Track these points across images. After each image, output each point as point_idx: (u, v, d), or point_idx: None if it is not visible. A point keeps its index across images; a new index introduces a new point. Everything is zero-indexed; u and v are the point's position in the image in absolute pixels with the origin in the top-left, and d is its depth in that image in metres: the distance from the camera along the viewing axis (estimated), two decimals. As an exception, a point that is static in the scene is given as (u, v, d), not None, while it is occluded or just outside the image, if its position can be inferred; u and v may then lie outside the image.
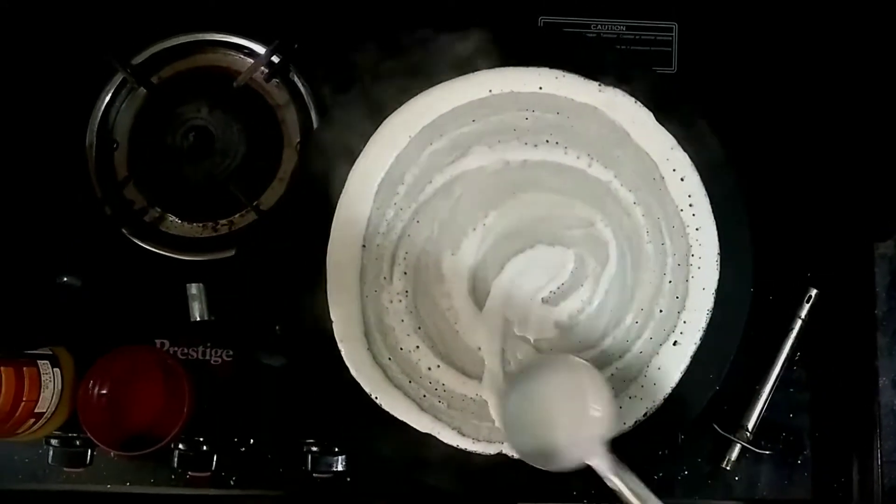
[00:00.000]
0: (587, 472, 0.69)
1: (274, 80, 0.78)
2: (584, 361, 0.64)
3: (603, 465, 0.60)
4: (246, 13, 0.77)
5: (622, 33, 0.78)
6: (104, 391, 0.70)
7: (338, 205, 0.69)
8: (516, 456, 0.66)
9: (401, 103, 0.70)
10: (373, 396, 0.68)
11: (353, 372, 0.68)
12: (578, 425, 0.61)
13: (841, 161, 0.75)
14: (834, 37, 0.77)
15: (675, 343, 0.68)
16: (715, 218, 0.68)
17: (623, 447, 0.66)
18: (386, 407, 0.68)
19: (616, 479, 0.60)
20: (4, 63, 0.76)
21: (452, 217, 0.70)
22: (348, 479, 0.72)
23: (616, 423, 0.62)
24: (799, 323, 0.73)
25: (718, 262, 0.68)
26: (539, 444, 0.62)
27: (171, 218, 0.77)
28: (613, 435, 0.62)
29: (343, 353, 0.68)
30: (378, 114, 0.70)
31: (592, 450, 0.60)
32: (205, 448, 0.71)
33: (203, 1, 0.78)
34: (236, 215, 0.76)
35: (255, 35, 0.77)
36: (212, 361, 0.74)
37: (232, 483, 0.73)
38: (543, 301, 0.70)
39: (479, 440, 0.68)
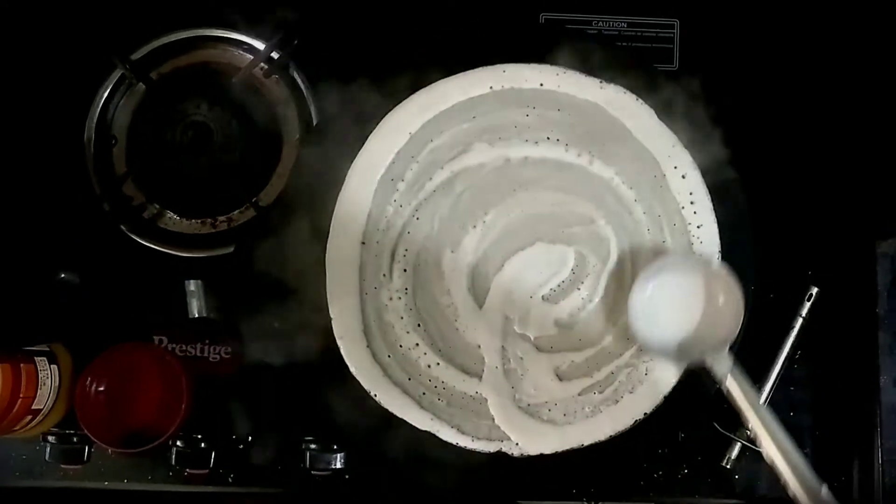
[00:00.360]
0: (588, 471, 0.69)
1: (273, 76, 0.77)
2: (717, 264, 0.66)
3: (721, 367, 0.62)
4: (245, 9, 0.77)
5: (623, 30, 0.78)
6: (102, 388, 0.70)
7: (337, 201, 0.69)
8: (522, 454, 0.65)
9: (401, 100, 0.69)
10: (372, 394, 0.68)
11: (352, 369, 0.68)
12: (710, 325, 0.62)
13: (842, 159, 0.75)
14: (836, 34, 0.77)
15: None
16: (716, 215, 0.68)
17: (623, 445, 0.67)
18: (385, 404, 0.68)
19: (731, 383, 0.61)
20: (3, 59, 0.75)
21: (452, 214, 0.70)
22: (347, 477, 0.72)
23: (738, 329, 0.64)
24: (800, 321, 0.73)
25: (719, 260, 0.68)
26: (666, 340, 0.63)
27: (170, 214, 0.77)
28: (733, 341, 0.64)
29: (342, 351, 0.68)
30: (378, 110, 0.69)
31: (715, 351, 0.63)
32: (203, 445, 0.71)
33: (202, -3, 0.78)
34: (235, 212, 0.76)
35: (255, 31, 0.77)
36: (210, 358, 0.73)
37: (230, 480, 0.73)
38: (544, 299, 0.70)
39: (478, 438, 0.68)
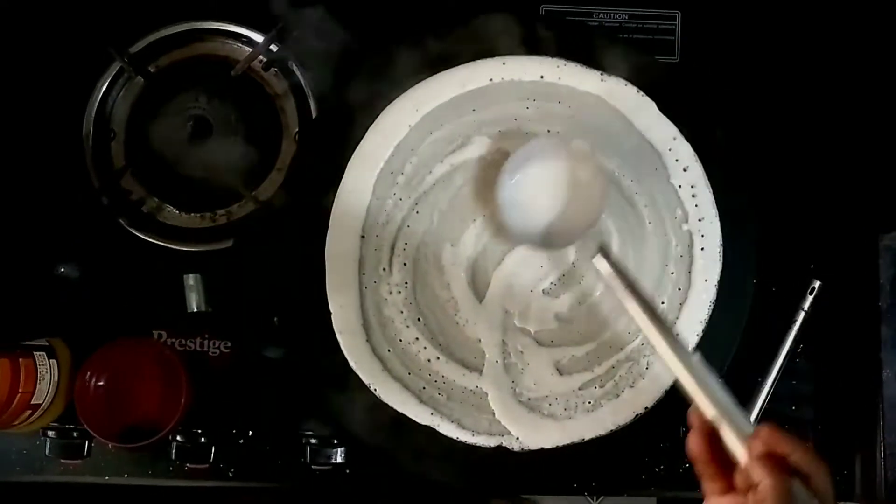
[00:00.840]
0: (589, 465, 0.69)
1: (272, 69, 0.77)
2: (585, 149, 0.64)
3: (590, 251, 0.62)
4: (244, 1, 0.77)
5: (625, 22, 0.78)
6: (101, 382, 0.70)
7: (336, 195, 0.69)
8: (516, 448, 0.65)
9: (400, 92, 0.69)
10: (372, 388, 0.67)
11: (351, 363, 0.68)
12: (575, 208, 0.62)
13: (845, 152, 0.75)
14: (838, 25, 0.76)
15: (676, 335, 0.67)
16: (718, 208, 0.68)
17: (624, 439, 0.67)
18: (385, 399, 0.67)
19: (601, 265, 0.59)
20: (2, 53, 0.75)
21: (452, 208, 0.70)
22: (347, 472, 0.72)
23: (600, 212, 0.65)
24: (802, 315, 0.73)
25: (721, 254, 0.68)
26: (533, 222, 0.63)
27: (169, 208, 0.76)
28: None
29: (342, 345, 0.68)
30: (377, 103, 0.69)
31: (584, 234, 0.65)
32: (203, 440, 0.71)
33: (201, -11, 0.78)
34: (234, 205, 0.76)
35: (254, 24, 0.76)
36: (210, 353, 0.73)
37: (230, 475, 0.72)
38: (544, 292, 0.70)
39: (479, 433, 0.67)
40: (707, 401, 0.51)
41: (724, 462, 0.51)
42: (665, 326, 0.55)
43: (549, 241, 0.65)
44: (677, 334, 0.55)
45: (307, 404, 0.71)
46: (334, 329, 0.68)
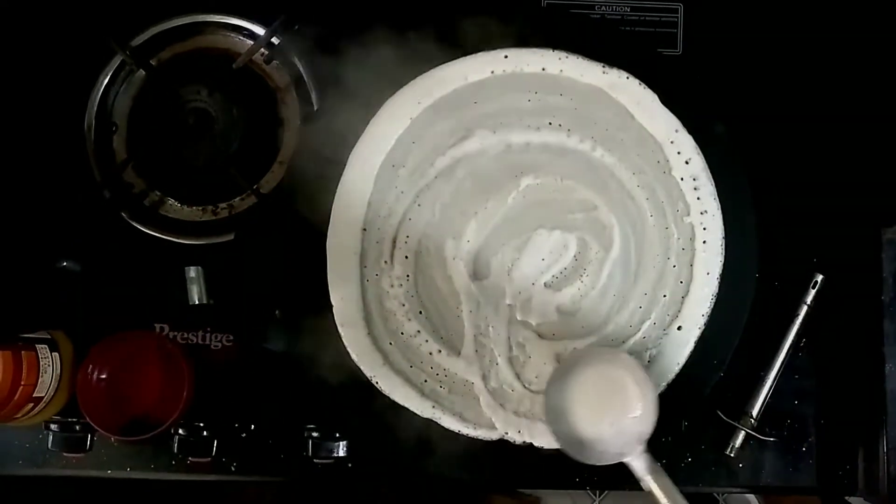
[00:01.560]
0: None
1: (274, 61, 0.77)
2: (631, 358, 0.64)
3: (640, 464, 0.60)
4: (246, -6, 0.77)
5: (627, 14, 0.77)
6: (103, 376, 0.70)
7: (338, 188, 0.69)
8: (525, 441, 0.65)
9: (402, 85, 0.69)
10: (373, 381, 0.67)
11: (353, 357, 0.67)
12: (619, 422, 0.61)
13: (848, 145, 0.75)
14: (841, 17, 0.76)
15: (678, 328, 0.67)
16: (720, 201, 0.67)
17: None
18: (386, 392, 0.67)
19: (651, 481, 0.60)
20: (4, 47, 0.75)
21: (454, 200, 0.70)
22: (349, 465, 0.72)
23: (655, 421, 0.61)
24: (804, 309, 0.72)
25: (723, 247, 0.67)
26: (578, 436, 0.62)
27: (171, 201, 0.77)
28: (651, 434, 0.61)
29: (343, 338, 0.68)
30: (379, 96, 0.69)
31: (631, 448, 0.61)
32: (205, 433, 0.71)
33: (202, -18, 0.78)
34: (236, 199, 0.76)
35: (255, 16, 0.76)
36: (212, 346, 0.73)
37: (233, 469, 0.73)
38: (546, 286, 0.69)
39: (480, 426, 0.67)
40: None
41: None
42: None
43: (596, 454, 0.62)
44: None
45: (309, 398, 0.71)
46: (336, 322, 0.68)
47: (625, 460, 0.61)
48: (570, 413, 0.62)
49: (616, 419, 0.62)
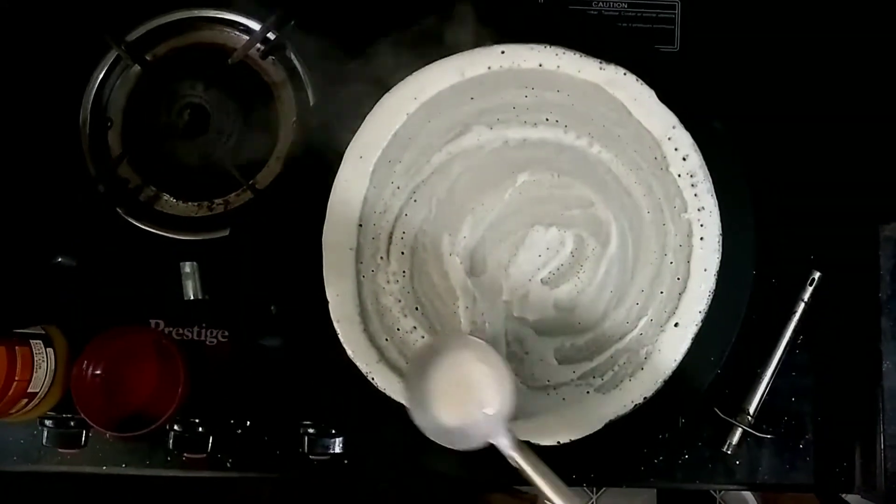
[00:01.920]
0: (588, 456, 0.68)
1: (270, 57, 0.77)
2: (480, 340, 0.63)
3: (505, 443, 0.60)
4: (241, -11, 0.76)
5: (624, 10, 0.77)
6: (98, 371, 0.69)
7: (334, 183, 0.69)
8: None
9: (398, 80, 0.69)
10: (369, 377, 0.67)
11: (349, 353, 0.67)
12: (480, 410, 0.61)
13: (846, 142, 0.75)
14: (839, 15, 0.76)
15: (675, 325, 0.67)
16: (717, 198, 0.67)
17: (623, 430, 0.66)
18: (383, 388, 0.67)
19: (518, 457, 0.59)
20: (-2, 41, 0.75)
21: (450, 197, 0.70)
22: (345, 462, 0.72)
23: (514, 400, 0.61)
24: (802, 306, 0.72)
25: (720, 243, 0.67)
26: (443, 427, 0.61)
27: (166, 197, 0.76)
28: (514, 413, 0.61)
29: (339, 334, 0.68)
30: (375, 91, 0.69)
31: (496, 431, 0.60)
32: (201, 429, 0.71)
33: (198, -23, 0.77)
34: (232, 194, 0.76)
35: (251, 11, 0.76)
36: (207, 342, 0.73)
37: (228, 465, 0.72)
38: (543, 282, 0.69)
39: (476, 422, 0.67)
40: None
41: None
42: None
43: (463, 440, 0.61)
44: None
45: (305, 394, 0.71)
46: (331, 318, 0.68)
47: (492, 442, 0.60)
48: (430, 405, 0.61)
49: (476, 408, 0.61)
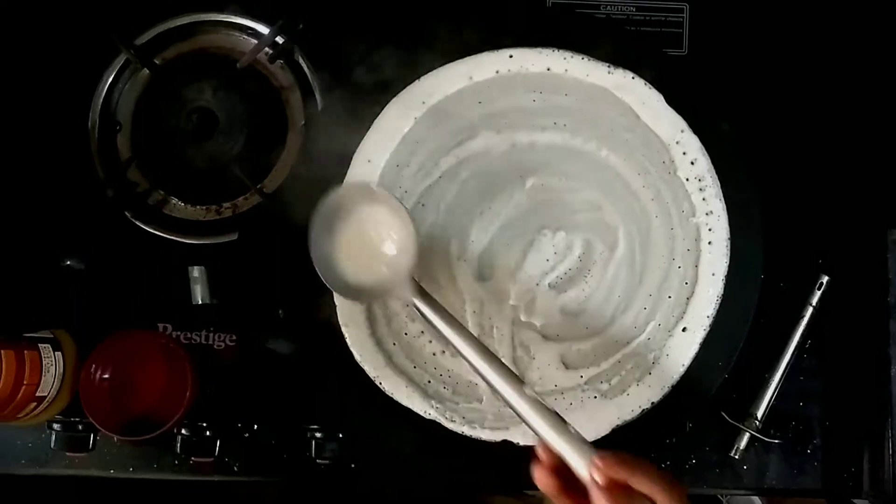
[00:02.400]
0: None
1: (278, 61, 0.77)
2: (382, 191, 0.63)
3: (407, 295, 0.60)
4: (250, -7, 0.77)
5: (632, 14, 0.77)
6: (106, 375, 0.70)
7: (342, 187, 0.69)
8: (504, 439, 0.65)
9: (406, 84, 0.69)
10: (377, 382, 0.67)
11: (357, 357, 0.67)
12: (385, 264, 0.61)
13: (854, 146, 0.74)
14: (846, 17, 0.76)
15: (683, 329, 0.67)
16: (725, 202, 0.67)
17: (630, 435, 0.66)
18: (390, 392, 0.67)
19: (420, 303, 0.59)
20: (7, 44, 0.75)
21: (458, 201, 0.70)
22: (352, 466, 0.72)
23: (416, 251, 0.61)
24: (810, 310, 0.72)
25: (728, 248, 0.67)
26: (350, 284, 0.61)
27: (175, 201, 0.76)
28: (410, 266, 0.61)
29: (347, 338, 0.67)
30: (383, 95, 0.69)
31: (401, 283, 0.60)
32: (208, 433, 0.71)
33: (207, -19, 0.78)
34: (240, 198, 0.76)
35: (259, 15, 0.76)
36: (215, 346, 0.73)
37: (235, 469, 0.72)
38: (550, 286, 0.69)
39: (483, 427, 0.67)
40: (550, 432, 0.53)
41: (578, 489, 0.52)
42: (495, 359, 0.56)
43: (368, 295, 0.62)
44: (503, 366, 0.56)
45: (312, 398, 0.71)
46: (339, 322, 0.68)
47: (397, 294, 0.60)
48: (336, 265, 0.61)
49: (380, 263, 0.61)
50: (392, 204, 0.61)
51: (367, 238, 0.61)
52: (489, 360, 0.56)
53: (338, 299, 0.68)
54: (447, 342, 0.58)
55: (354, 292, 0.61)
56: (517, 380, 0.55)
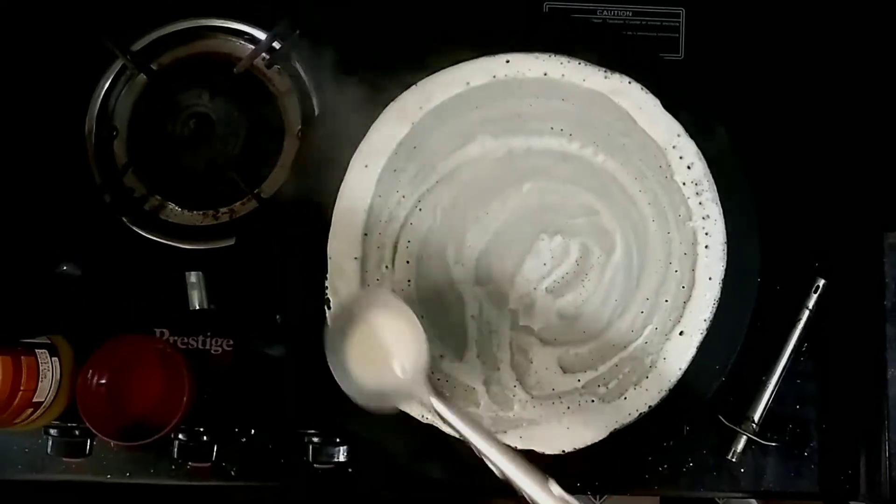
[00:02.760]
0: (592, 464, 0.68)
1: (275, 66, 0.77)
2: (392, 296, 0.62)
3: (426, 399, 0.59)
4: (247, -1, 0.77)
5: (628, 19, 0.77)
6: (103, 381, 0.69)
7: (339, 193, 0.69)
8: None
9: (403, 90, 0.69)
10: (374, 386, 0.67)
11: (354, 362, 0.67)
12: (393, 367, 0.60)
13: (850, 149, 0.75)
14: (843, 22, 0.76)
15: (680, 333, 0.67)
16: (722, 206, 0.67)
17: (627, 439, 0.66)
18: (387, 397, 0.67)
19: (437, 404, 0.58)
20: (3, 49, 0.75)
21: (456, 205, 0.70)
22: (350, 470, 0.72)
23: (428, 355, 0.60)
24: (806, 313, 0.72)
25: (725, 251, 0.67)
26: (370, 392, 0.60)
27: (172, 206, 0.76)
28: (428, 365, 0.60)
29: (344, 343, 0.67)
30: (380, 100, 0.69)
31: (414, 387, 0.59)
32: (205, 438, 0.71)
33: (203, -14, 0.78)
34: (237, 203, 0.76)
35: (256, 21, 0.76)
36: (212, 351, 0.73)
37: (233, 474, 0.72)
38: (547, 290, 0.69)
39: (481, 431, 0.67)
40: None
41: None
42: (517, 456, 0.56)
43: (385, 400, 0.61)
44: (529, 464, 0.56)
45: (309, 403, 0.71)
46: (337, 327, 0.68)
47: (415, 397, 0.59)
48: (352, 374, 0.60)
49: (392, 369, 0.60)
50: (396, 305, 0.61)
51: (377, 346, 0.61)
52: (512, 459, 0.56)
53: (334, 304, 0.68)
54: (469, 442, 0.57)
55: (373, 399, 0.60)
56: (542, 476, 0.55)
